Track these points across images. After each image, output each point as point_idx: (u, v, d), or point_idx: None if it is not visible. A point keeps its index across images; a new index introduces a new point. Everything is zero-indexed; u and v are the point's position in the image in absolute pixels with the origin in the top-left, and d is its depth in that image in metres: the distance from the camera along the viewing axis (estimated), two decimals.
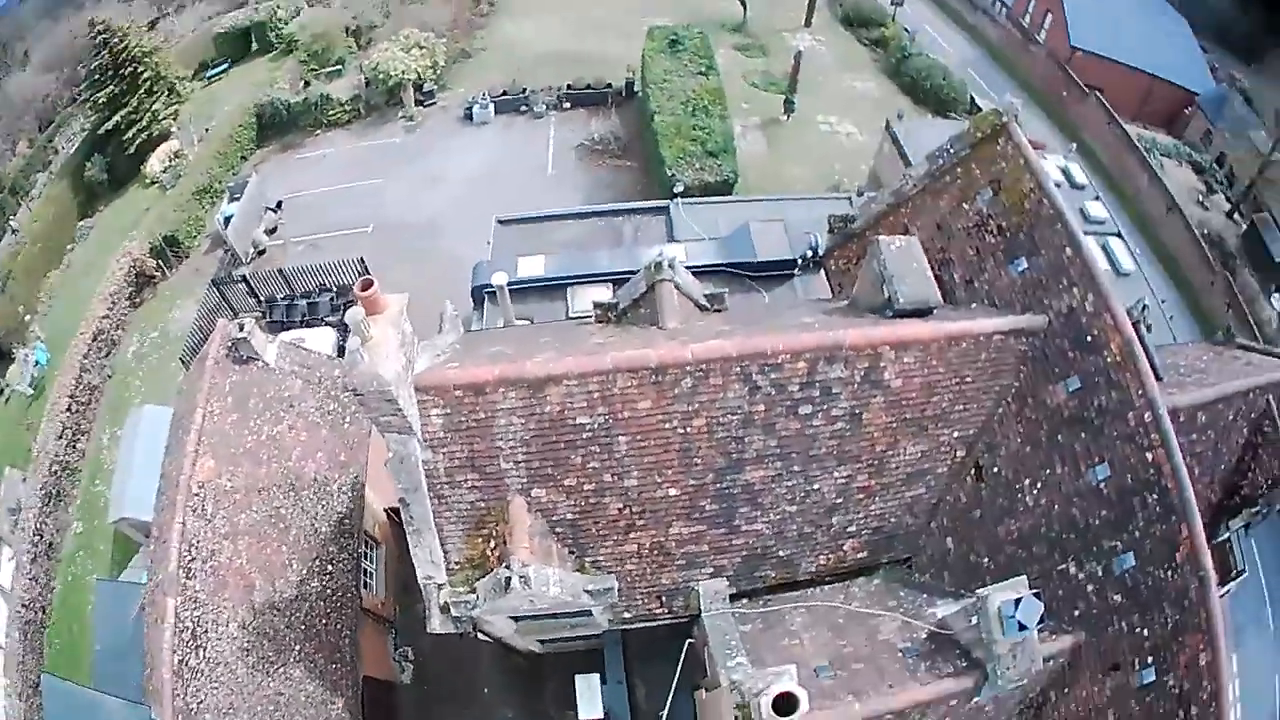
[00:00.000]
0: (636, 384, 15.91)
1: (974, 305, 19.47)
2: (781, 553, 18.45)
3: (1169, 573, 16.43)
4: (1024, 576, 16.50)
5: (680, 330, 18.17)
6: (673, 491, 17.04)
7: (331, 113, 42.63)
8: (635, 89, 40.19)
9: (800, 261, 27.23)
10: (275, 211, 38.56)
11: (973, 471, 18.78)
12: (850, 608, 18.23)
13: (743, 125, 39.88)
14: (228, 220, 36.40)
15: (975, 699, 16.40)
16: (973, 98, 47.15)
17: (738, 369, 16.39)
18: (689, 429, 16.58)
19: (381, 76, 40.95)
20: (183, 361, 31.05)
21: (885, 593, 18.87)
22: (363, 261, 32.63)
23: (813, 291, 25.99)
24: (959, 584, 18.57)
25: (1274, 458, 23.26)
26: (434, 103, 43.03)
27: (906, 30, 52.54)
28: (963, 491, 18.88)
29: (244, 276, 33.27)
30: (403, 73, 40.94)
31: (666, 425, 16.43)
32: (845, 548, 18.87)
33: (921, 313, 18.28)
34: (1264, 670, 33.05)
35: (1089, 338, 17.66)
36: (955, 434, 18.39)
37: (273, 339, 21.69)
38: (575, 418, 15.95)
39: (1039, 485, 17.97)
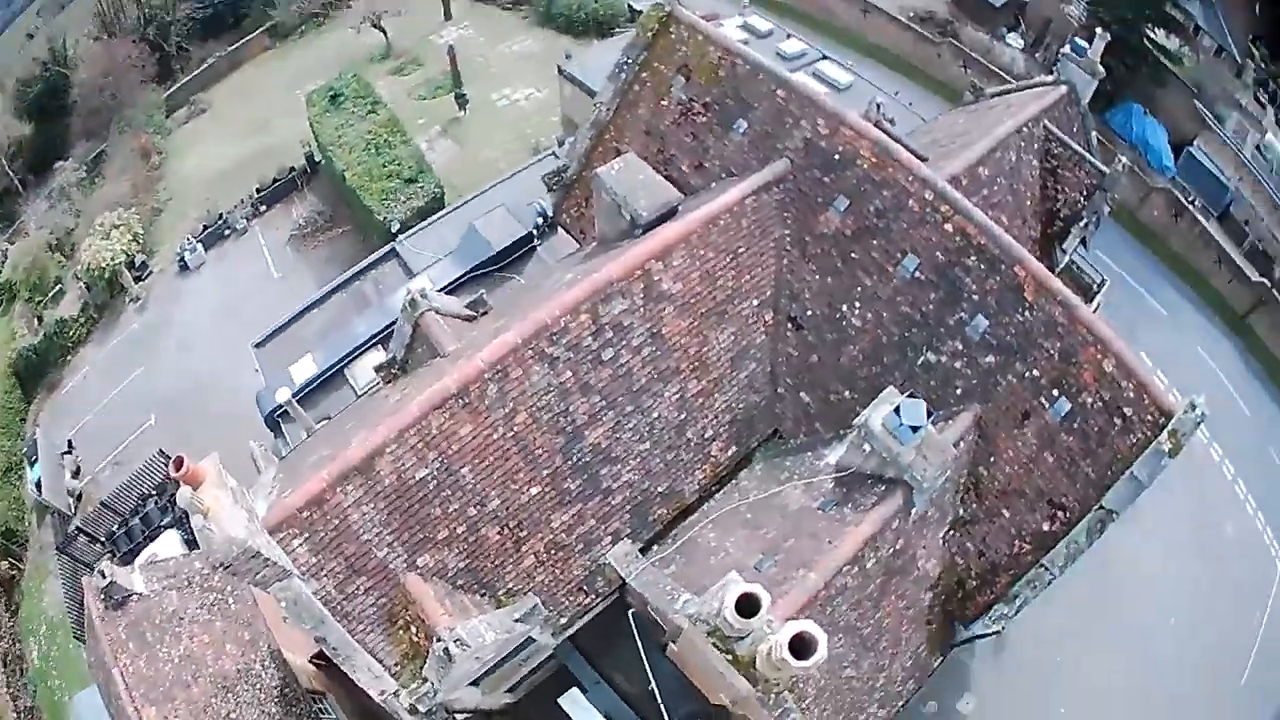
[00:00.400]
0: (449, 416, 15.61)
1: (713, 185, 19.50)
2: (660, 488, 18.15)
3: (1026, 312, 16.90)
4: (890, 388, 16.64)
5: (462, 348, 17.67)
6: (534, 490, 16.69)
7: (71, 333, 41.15)
8: (317, 159, 40.00)
9: (536, 231, 27.30)
10: (70, 454, 37.36)
11: (789, 325, 18.88)
12: (750, 500, 18.16)
13: (427, 139, 40.18)
14: (39, 485, 35.38)
15: (913, 509, 16.53)
16: (630, 5, 47.75)
17: (529, 351, 16.05)
18: (516, 428, 16.24)
19: (96, 273, 39.86)
20: (77, 638, 30.16)
21: (773, 470, 18.82)
22: (161, 452, 32.11)
23: (561, 251, 26.15)
24: (835, 427, 18.74)
25: (1074, 172, 24.69)
26: (150, 272, 42.23)
27: None
28: (790, 347, 18.99)
29: (78, 529, 32.51)
30: (112, 259, 39.90)
31: (495, 437, 16.09)
32: (713, 452, 18.69)
33: (667, 215, 18.15)
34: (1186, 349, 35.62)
35: (836, 156, 17.99)
36: (755, 302, 18.45)
37: (132, 569, 21.12)
38: (414, 475, 15.49)
39: (858, 305, 18.29)
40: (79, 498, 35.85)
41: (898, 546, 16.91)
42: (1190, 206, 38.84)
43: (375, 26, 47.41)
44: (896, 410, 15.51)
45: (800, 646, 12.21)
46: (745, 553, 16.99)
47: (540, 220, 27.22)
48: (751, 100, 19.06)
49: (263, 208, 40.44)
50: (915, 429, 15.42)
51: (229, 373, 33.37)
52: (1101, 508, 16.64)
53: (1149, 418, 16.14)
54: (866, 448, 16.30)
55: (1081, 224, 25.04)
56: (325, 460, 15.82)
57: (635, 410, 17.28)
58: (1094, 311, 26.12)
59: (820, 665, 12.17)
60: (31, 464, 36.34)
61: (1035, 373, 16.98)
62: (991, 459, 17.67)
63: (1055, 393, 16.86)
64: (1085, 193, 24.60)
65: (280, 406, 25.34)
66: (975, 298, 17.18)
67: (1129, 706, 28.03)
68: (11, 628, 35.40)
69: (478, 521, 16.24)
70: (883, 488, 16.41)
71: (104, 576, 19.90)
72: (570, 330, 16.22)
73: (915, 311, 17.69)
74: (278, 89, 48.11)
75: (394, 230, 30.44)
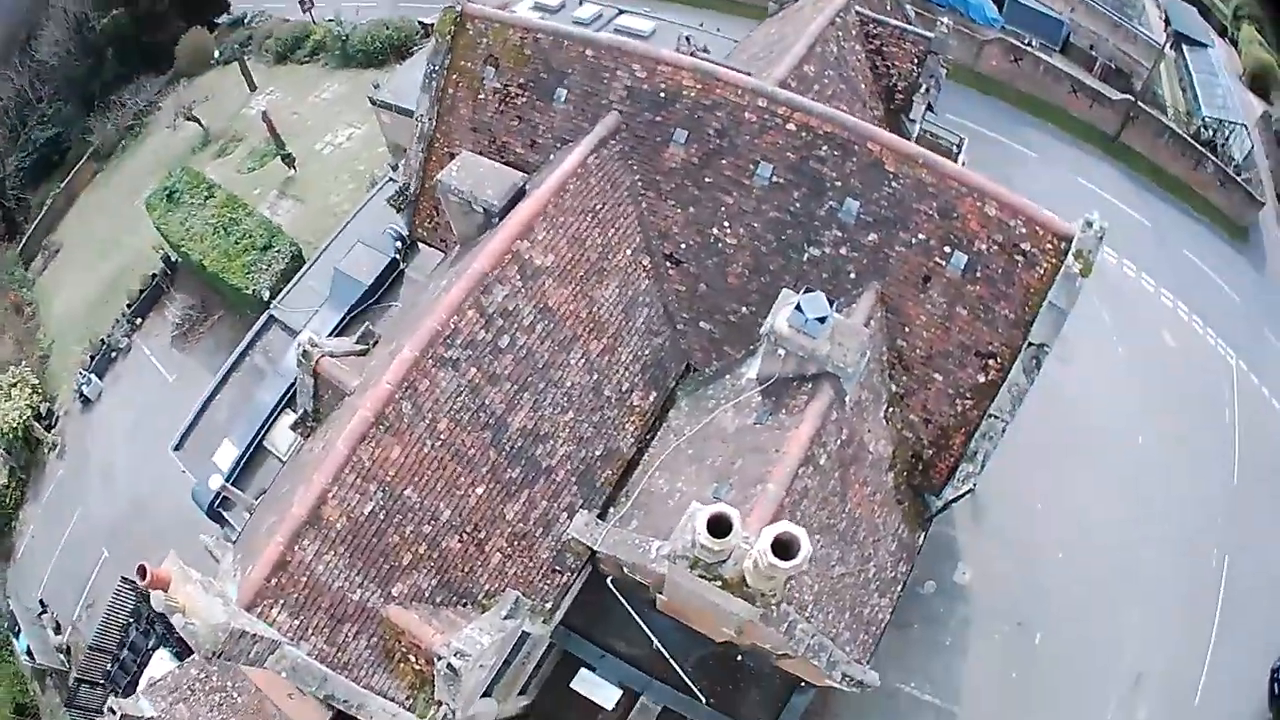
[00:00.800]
0: (375, 444, 15.81)
1: (552, 157, 19.86)
2: (597, 452, 18.40)
3: (893, 183, 17.44)
4: (785, 290, 16.99)
5: (367, 379, 17.78)
6: (479, 490, 16.87)
7: (7, 500, 40.32)
8: (173, 258, 40.45)
9: (399, 255, 27.61)
10: (45, 613, 36.86)
11: (667, 264, 19.25)
12: (686, 435, 18.38)
13: (269, 206, 40.57)
14: (30, 653, 34.82)
15: (846, 398, 16.76)
16: (420, 22, 48.15)
17: (429, 361, 16.29)
18: (442, 436, 16.45)
19: (9, 435, 39.58)
20: None
21: (699, 403, 19.05)
22: (123, 579, 32.08)
23: (430, 266, 26.15)
24: (744, 344, 19.10)
25: (899, 45, 25.37)
26: (57, 417, 41.87)
27: (331, 20, 52.63)
28: (675, 284, 19.36)
29: (77, 680, 32.48)
30: (19, 417, 39.72)
31: (426, 450, 16.29)
32: (635, 403, 18.96)
33: (517, 197, 18.41)
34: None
35: (661, 94, 18.54)
36: (628, 251, 18.81)
37: (136, 697, 20.90)
38: (361, 511, 15.68)
39: (726, 224, 18.76)
40: (68, 651, 35.66)
41: (844, 436, 17.17)
42: (1028, 49, 39.97)
43: (188, 119, 47.83)
44: (798, 308, 15.75)
45: (783, 548, 12.31)
46: (699, 485, 17.17)
47: (399, 244, 27.67)
48: (563, 68, 19.51)
49: (138, 320, 40.75)
50: (822, 319, 15.69)
51: (158, 484, 33.57)
52: (1030, 344, 17.09)
53: (1049, 246, 16.69)
54: (781, 352, 16.50)
55: (922, 90, 25.74)
56: (274, 526, 15.86)
57: (548, 385, 17.53)
58: (961, 165, 27.14)
59: (809, 560, 12.24)
60: (16, 635, 36.14)
61: (921, 236, 17.41)
62: (906, 329, 18.07)
63: (947, 249, 17.27)
64: (916, 61, 25.32)
65: (218, 494, 25.68)
66: (839, 184, 17.72)
67: (1123, 530, 28.79)
68: None
69: (436, 536, 16.39)
70: (809, 385, 16.58)
71: (113, 713, 19.97)
72: (461, 330, 16.45)
73: (784, 214, 18.19)
74: (117, 206, 48.34)
75: (265, 299, 30.70)
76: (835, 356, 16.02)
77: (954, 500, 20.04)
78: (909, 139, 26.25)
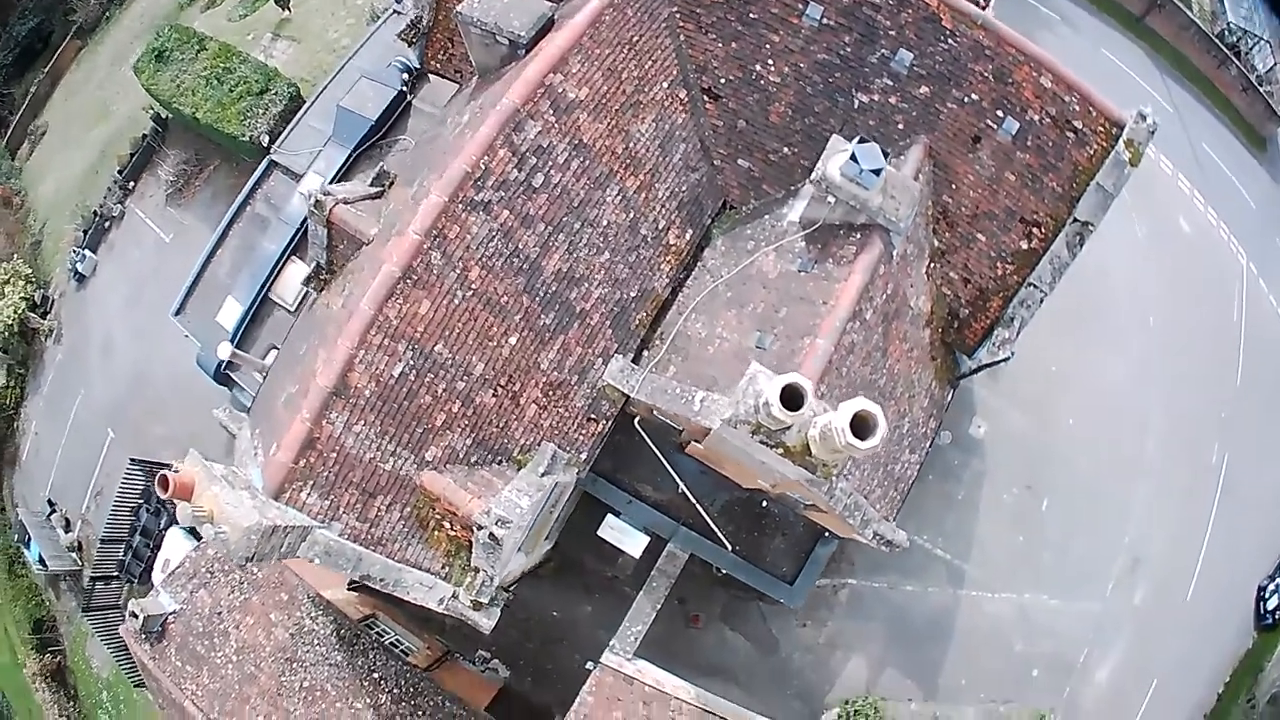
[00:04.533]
0: (403, 300, 14.51)
1: None
2: (632, 293, 17.29)
3: (949, 40, 16.20)
4: (835, 136, 15.96)
5: (387, 227, 16.41)
6: (513, 340, 15.79)
7: (8, 400, 38.28)
8: (163, 116, 37.35)
9: (406, 87, 25.25)
10: (54, 513, 35.50)
11: (705, 98, 17.66)
12: (724, 277, 17.47)
13: (263, 49, 37.11)
14: (42, 560, 33.72)
15: (894, 250, 16.08)
16: None
17: (459, 206, 14.80)
18: (473, 286, 15.17)
19: (5, 333, 36.88)
20: (138, 685, 28.98)
21: (736, 243, 18.02)
22: (133, 460, 30.32)
23: (440, 97, 24.23)
24: (784, 184, 17.96)
25: None
26: (52, 301, 39.09)
27: None
28: (713, 119, 17.82)
29: (92, 579, 31.63)
30: (14, 312, 36.96)
31: (456, 302, 15.03)
32: (671, 241, 17.73)
33: (546, 27, 16.61)
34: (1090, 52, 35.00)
35: None
36: (665, 84, 17.14)
37: (156, 591, 20.77)
38: (391, 374, 14.59)
39: (771, 60, 17.13)
40: (80, 548, 34.67)
41: (889, 291, 16.49)
42: None
43: None
44: (853, 157, 14.87)
45: (860, 425, 11.60)
46: (740, 333, 16.44)
47: (406, 75, 25.36)
48: None
49: (131, 184, 37.99)
50: (876, 171, 14.94)
51: (161, 353, 32.11)
52: (1075, 220, 16.92)
53: (1100, 129, 16.33)
54: (830, 199, 15.65)
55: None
56: (296, 397, 14.92)
57: (583, 225, 16.19)
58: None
59: (883, 439, 11.52)
60: (27, 545, 35.04)
61: (974, 96, 16.52)
62: (953, 186, 17.32)
63: (1000, 113, 16.57)
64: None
65: (225, 361, 24.15)
66: (892, 33, 16.29)
67: (1132, 401, 28.79)
68: (78, 712, 34.77)
69: (469, 392, 15.39)
70: (857, 235, 15.80)
71: (135, 616, 19.94)
72: (493, 170, 14.91)
73: (834, 56, 16.65)
74: (104, 77, 44.78)
75: (265, 144, 28.45)
76: (887, 209, 15.21)
77: (989, 365, 19.37)
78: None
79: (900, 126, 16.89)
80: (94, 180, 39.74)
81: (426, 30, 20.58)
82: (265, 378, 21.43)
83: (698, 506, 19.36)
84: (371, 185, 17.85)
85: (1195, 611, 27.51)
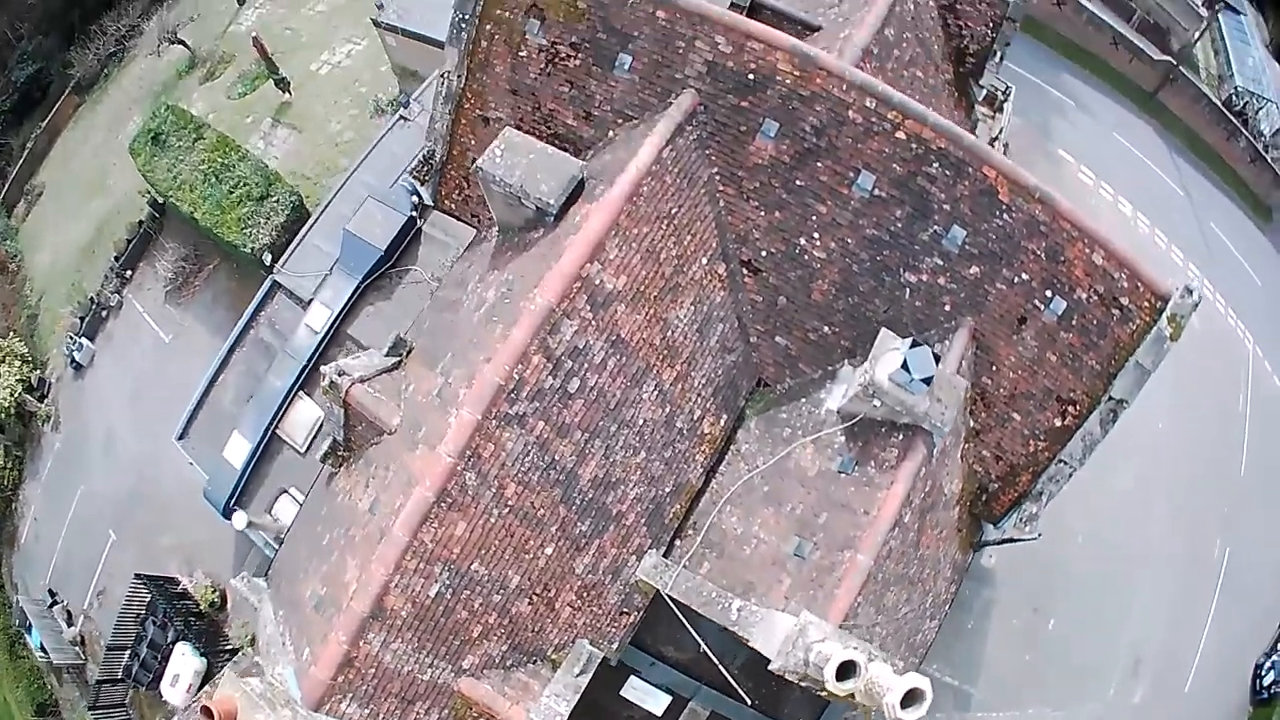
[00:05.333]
0: (439, 524, 13.72)
1: (614, 136, 16.57)
2: (667, 489, 16.25)
3: (1004, 215, 15.17)
4: (885, 332, 14.96)
5: (410, 424, 15.25)
6: (549, 550, 14.91)
7: (5, 481, 36.59)
8: (160, 202, 35.41)
9: (416, 213, 24.11)
10: (56, 604, 34.10)
11: (744, 271, 16.56)
12: (759, 466, 16.46)
13: (262, 135, 35.70)
14: (44, 649, 32.36)
15: (935, 450, 15.30)
16: None
17: (493, 422, 13.79)
18: (509, 503, 14.30)
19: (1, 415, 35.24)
20: None
21: (771, 427, 16.99)
22: (139, 575, 29.17)
23: (454, 230, 22.98)
24: (821, 363, 16.93)
25: (973, 4, 22.22)
26: (49, 384, 37.49)
27: None
28: (752, 294, 16.74)
29: (97, 681, 30.31)
30: (11, 394, 35.23)
31: (492, 521, 14.19)
32: (705, 430, 16.65)
33: (575, 195, 15.48)
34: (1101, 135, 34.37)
35: (750, 76, 15.19)
36: (705, 260, 16.01)
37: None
38: (427, 595, 13.92)
39: (816, 235, 15.96)
40: (82, 642, 33.55)
41: (927, 488, 15.64)
42: None
43: (173, 42, 41.96)
44: (904, 366, 13.92)
45: (910, 696, 11.20)
46: (779, 536, 15.54)
47: (415, 198, 24.11)
48: (628, 29, 15.83)
49: (128, 273, 36.49)
50: (927, 380, 13.99)
51: (164, 457, 30.77)
52: (1111, 398, 16.10)
53: (1145, 304, 15.39)
54: (877, 403, 14.71)
55: (996, 59, 23.00)
56: (328, 607, 14.33)
57: (620, 426, 15.14)
58: (1005, 120, 24.70)
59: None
60: (28, 630, 33.86)
61: (1024, 276, 15.53)
62: (994, 367, 16.42)
63: (1048, 293, 15.61)
64: (991, 25, 22.27)
65: (234, 495, 23.50)
66: (946, 207, 15.14)
67: (1138, 508, 28.61)
68: None
69: (505, 604, 14.69)
70: (900, 436, 14.93)
71: None
72: (527, 380, 13.81)
73: (883, 232, 15.51)
74: (101, 143, 43.28)
75: (266, 261, 27.01)
76: (933, 414, 14.35)
77: (1015, 541, 18.82)
78: (972, 105, 23.84)
79: (947, 308, 15.86)
80: (90, 259, 38.15)
81: (440, 167, 19.09)
82: (282, 543, 20.41)
83: (719, 666, 18.59)
84: (387, 354, 16.55)
85: (1194, 700, 27.66)
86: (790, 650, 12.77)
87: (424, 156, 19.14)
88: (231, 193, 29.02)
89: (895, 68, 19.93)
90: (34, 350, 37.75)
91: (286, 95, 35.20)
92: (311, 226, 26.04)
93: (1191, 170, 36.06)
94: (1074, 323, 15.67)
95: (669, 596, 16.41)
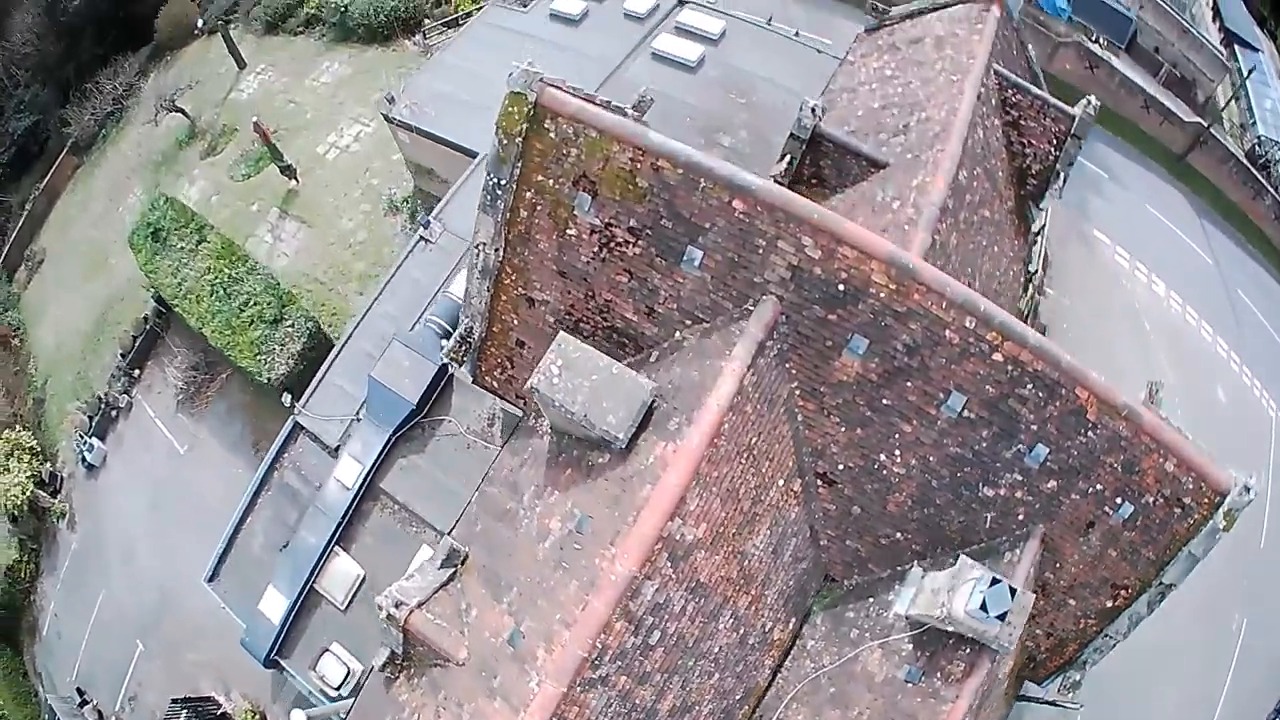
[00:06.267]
0: None
1: (682, 340, 15.32)
2: (737, 697, 15.46)
3: (1089, 433, 14.38)
4: (963, 560, 14.24)
5: (476, 656, 14.38)
6: None
7: (23, 576, 35.79)
8: (162, 307, 34.13)
9: (452, 357, 21.44)
10: (86, 703, 32.60)
11: (818, 483, 15.65)
12: (826, 666, 15.73)
13: (270, 228, 34.07)
14: None
15: (998, 662, 14.95)
16: None
17: (577, 689, 12.83)
18: None
19: (14, 511, 34.02)
20: None
21: (837, 625, 16.24)
22: (175, 700, 28.09)
23: None
24: (890, 564, 16.16)
25: (1039, 120, 21.52)
26: (60, 480, 36.34)
27: None
28: (825, 503, 15.86)
29: None
30: (22, 491, 33.94)
31: None
32: (775, 637, 15.92)
33: (645, 422, 14.34)
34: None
35: (840, 287, 13.93)
36: (781, 483, 15.08)
37: None
38: None
39: (898, 451, 15.04)
40: None
41: (986, 690, 15.06)
42: (1102, 56, 35.61)
43: (172, 110, 40.41)
44: (983, 606, 13.44)
45: None
46: None
47: (445, 342, 22.35)
48: (699, 220, 14.32)
49: (136, 373, 35.45)
50: (1002, 616, 13.53)
51: (188, 571, 29.74)
52: (1161, 583, 15.80)
53: (1205, 500, 14.81)
54: (950, 628, 14.17)
55: (1059, 180, 22.08)
56: None
57: (697, 659, 14.36)
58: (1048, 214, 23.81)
59: None
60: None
61: (1099, 486, 14.83)
62: (1057, 565, 15.84)
63: (1118, 500, 14.97)
64: (1055, 141, 21.55)
65: (275, 646, 22.61)
66: (1034, 428, 14.27)
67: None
68: None
69: None
70: (966, 650, 14.41)
71: None
72: (608, 646, 12.90)
73: (967, 450, 14.64)
74: (100, 213, 41.67)
75: (286, 403, 25.35)
76: (1003, 636, 13.75)
77: (1058, 705, 18.86)
78: (1031, 227, 23.03)
79: (1020, 518, 15.16)
80: (95, 349, 36.83)
81: (479, 345, 17.80)
82: None
83: None
84: (441, 566, 15.59)
85: None
86: None
87: (460, 336, 17.64)
88: (242, 311, 27.74)
89: (968, 215, 19.11)
90: (43, 442, 36.71)
91: (294, 183, 33.63)
92: (332, 363, 24.80)
93: (1220, 235, 35.37)
94: (1138, 523, 15.14)
95: None
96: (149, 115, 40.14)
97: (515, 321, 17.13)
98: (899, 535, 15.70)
